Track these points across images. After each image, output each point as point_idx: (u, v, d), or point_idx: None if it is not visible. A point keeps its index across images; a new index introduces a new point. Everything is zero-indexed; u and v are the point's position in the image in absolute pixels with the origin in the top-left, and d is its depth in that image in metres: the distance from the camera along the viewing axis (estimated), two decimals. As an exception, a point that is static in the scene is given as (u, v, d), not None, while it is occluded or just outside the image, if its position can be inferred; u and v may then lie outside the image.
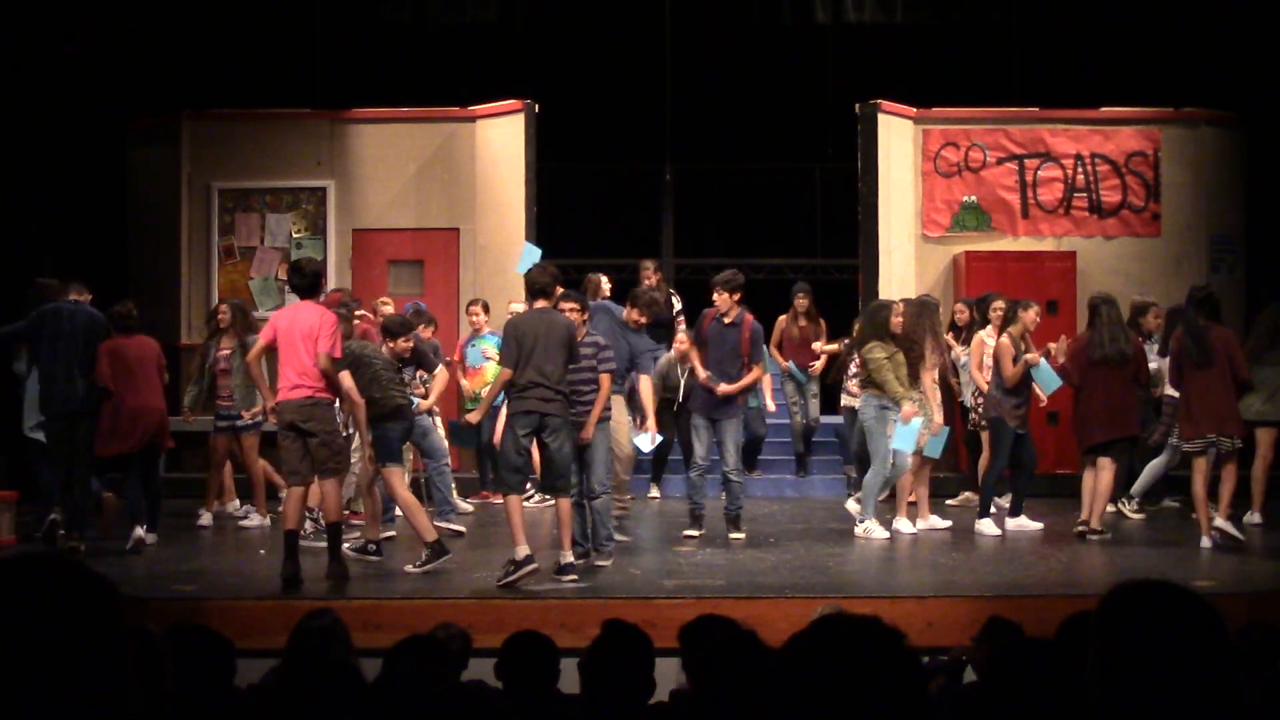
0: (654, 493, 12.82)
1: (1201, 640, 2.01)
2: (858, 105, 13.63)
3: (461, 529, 10.44)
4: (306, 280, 8.75)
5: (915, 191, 13.72)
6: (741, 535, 10.19)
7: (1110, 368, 10.05)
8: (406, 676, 4.22)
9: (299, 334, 8.48)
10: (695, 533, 10.26)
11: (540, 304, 8.64)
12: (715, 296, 10.30)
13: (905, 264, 13.64)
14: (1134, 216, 13.73)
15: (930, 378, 10.48)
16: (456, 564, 9.03)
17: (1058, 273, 13.34)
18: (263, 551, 9.69)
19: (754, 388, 10.93)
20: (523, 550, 8.19)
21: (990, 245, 13.62)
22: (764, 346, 10.58)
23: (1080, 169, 13.73)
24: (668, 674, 4.58)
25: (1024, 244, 13.66)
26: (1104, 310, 10.25)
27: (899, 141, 13.65)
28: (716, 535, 10.28)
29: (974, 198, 13.74)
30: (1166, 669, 1.99)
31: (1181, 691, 1.98)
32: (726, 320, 10.26)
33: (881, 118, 13.51)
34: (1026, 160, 13.76)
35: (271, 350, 8.71)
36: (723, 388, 10.10)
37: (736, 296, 10.25)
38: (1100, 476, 10.10)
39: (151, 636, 3.20)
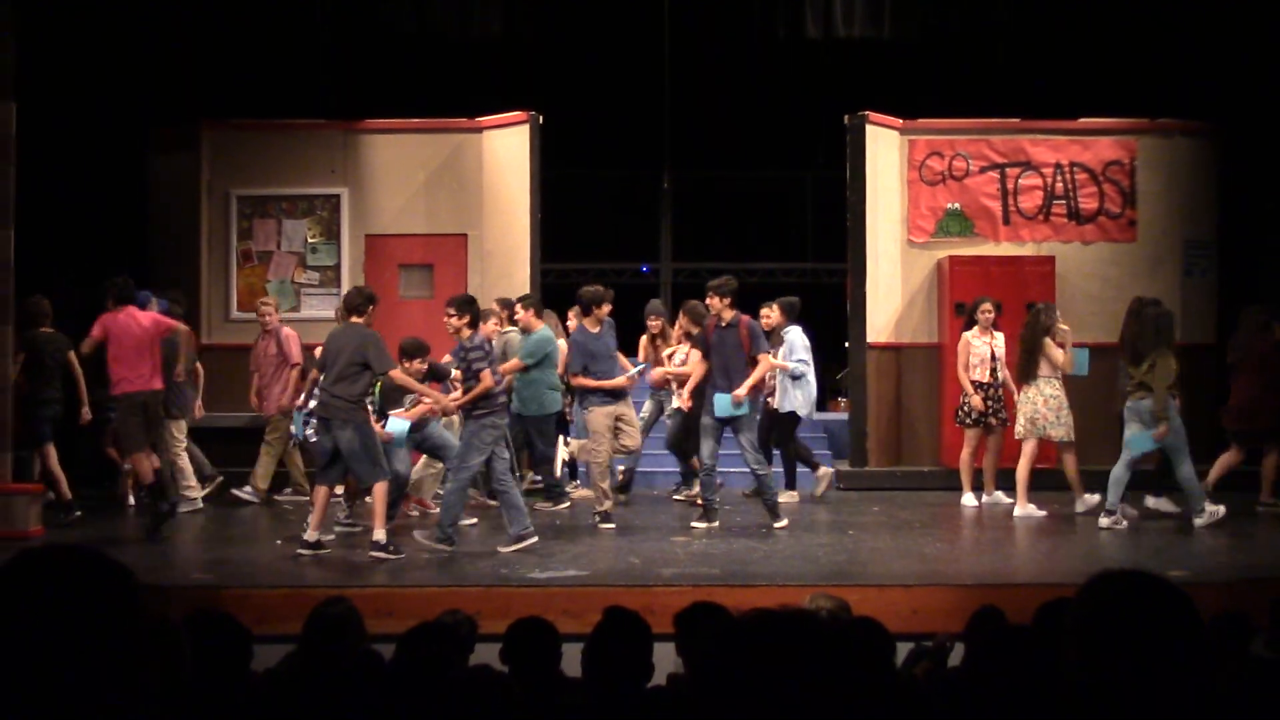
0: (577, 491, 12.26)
1: (1177, 627, 2.01)
2: (847, 116, 13.62)
3: (472, 520, 10.50)
4: (129, 292, 10.38)
5: (901, 199, 13.71)
6: (783, 523, 10.25)
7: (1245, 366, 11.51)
8: (418, 660, 4.22)
9: (142, 336, 10.14)
10: (702, 525, 10.25)
11: (354, 319, 9.37)
12: (708, 300, 10.39)
13: (892, 268, 13.63)
14: (1111, 222, 13.72)
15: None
16: (465, 554, 9.05)
17: (1038, 276, 13.32)
18: (279, 542, 9.69)
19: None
20: (315, 535, 9.07)
21: (973, 250, 13.60)
22: (764, 339, 10.56)
23: (1059, 177, 13.72)
24: (665, 658, 4.58)
25: (1005, 249, 13.65)
26: (1254, 312, 11.61)
27: (886, 151, 13.64)
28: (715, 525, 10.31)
29: (957, 205, 13.73)
30: (1143, 655, 1.98)
31: (1157, 676, 1.98)
32: (724, 323, 10.28)
33: (869, 128, 13.50)
34: (1008, 169, 13.75)
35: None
36: (737, 393, 10.09)
37: (728, 300, 10.28)
38: (1264, 461, 11.33)
39: (171, 623, 3.19)
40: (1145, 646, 1.99)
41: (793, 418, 11.83)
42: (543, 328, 11.48)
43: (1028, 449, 11.08)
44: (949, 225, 13.71)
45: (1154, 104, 13.88)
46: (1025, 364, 11.15)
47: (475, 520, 10.53)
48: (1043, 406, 11.03)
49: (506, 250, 13.46)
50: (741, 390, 10.13)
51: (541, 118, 13.49)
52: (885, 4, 14.52)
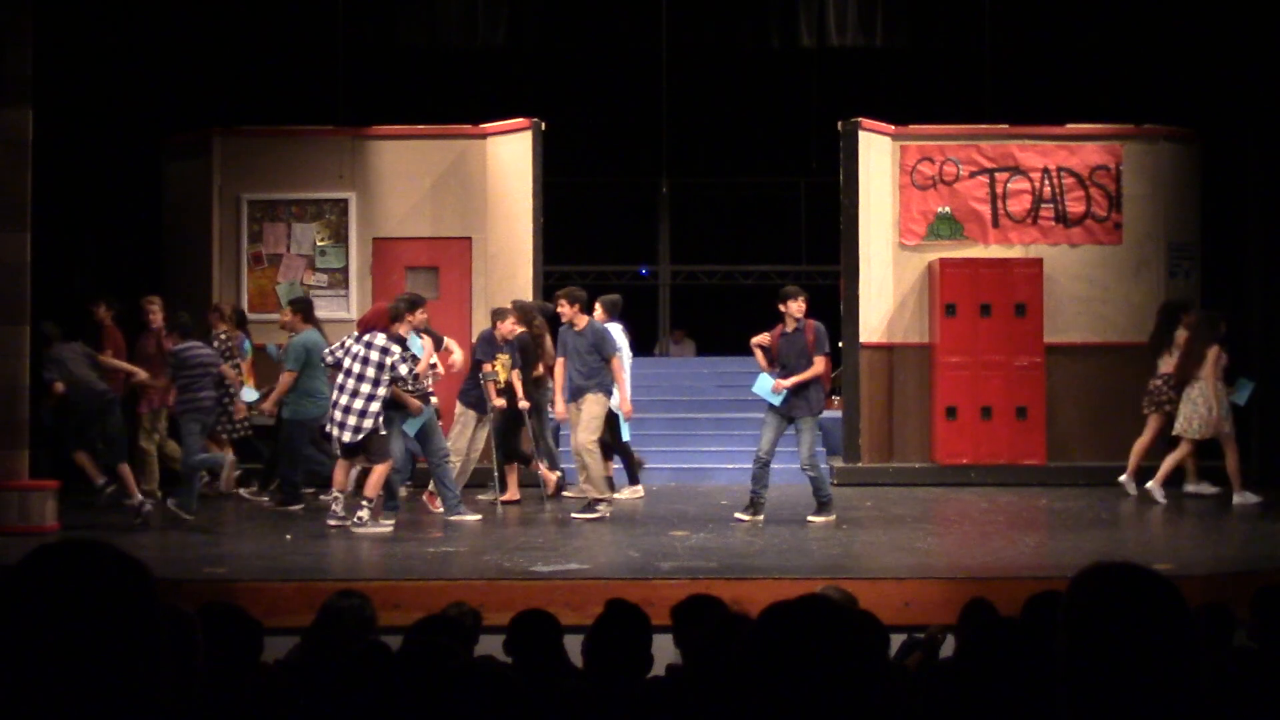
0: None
1: (1166, 619, 2.00)
2: (840, 123, 13.61)
3: (476, 516, 10.45)
4: None
5: (893, 203, 13.71)
6: (819, 519, 10.26)
7: None
8: (425, 652, 4.21)
9: None
10: (746, 517, 10.30)
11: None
12: (788, 305, 10.40)
13: (884, 270, 13.63)
14: (1097, 226, 13.72)
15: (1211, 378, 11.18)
16: (469, 549, 9.04)
17: (1026, 278, 13.32)
18: (289, 537, 9.68)
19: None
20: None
21: (963, 253, 13.60)
22: (826, 342, 10.58)
23: (1047, 181, 13.72)
24: (664, 650, 4.57)
25: (994, 251, 13.64)
26: None
27: (878, 156, 13.63)
28: (708, 520, 10.30)
29: (948, 208, 13.72)
30: (1133, 645, 1.98)
31: (1147, 666, 1.98)
32: (789, 329, 10.39)
33: (862, 134, 13.49)
34: (997, 173, 13.74)
35: None
36: (779, 383, 10.25)
37: (801, 304, 10.43)
38: None
39: (184, 616, 3.18)
40: (1135, 637, 1.98)
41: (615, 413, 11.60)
42: (307, 331, 11.21)
43: (1185, 446, 11.34)
44: (939, 228, 13.71)
45: (1139, 110, 13.88)
46: (1187, 365, 11.30)
47: (480, 516, 10.52)
48: (1200, 407, 11.21)
49: (509, 253, 13.46)
50: (786, 382, 10.25)
51: (543, 125, 13.49)
52: (877, 14, 14.53)
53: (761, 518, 10.34)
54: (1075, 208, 13.71)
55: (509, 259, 13.45)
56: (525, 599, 6.62)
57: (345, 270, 13.58)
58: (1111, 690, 1.98)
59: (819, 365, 10.44)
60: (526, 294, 13.23)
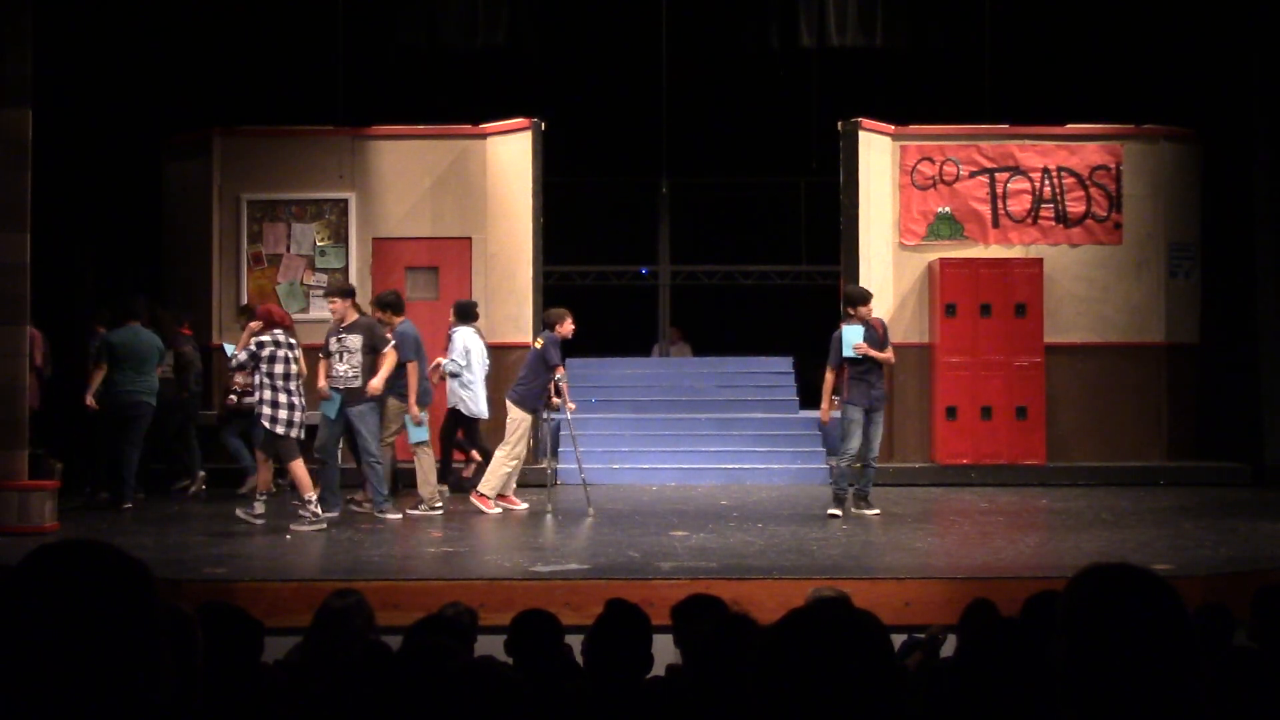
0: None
1: (1163, 619, 2.01)
2: (840, 123, 13.62)
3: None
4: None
5: (893, 203, 13.72)
6: (870, 511, 10.59)
7: None
8: (424, 652, 4.21)
9: None
10: (838, 511, 10.52)
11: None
12: (855, 310, 10.65)
13: (884, 270, 13.63)
14: (1097, 226, 13.73)
15: None
16: (469, 549, 9.04)
17: (1026, 278, 13.34)
18: (288, 537, 9.69)
19: None
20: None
21: (963, 253, 13.60)
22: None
23: (1047, 182, 13.73)
24: (664, 650, 4.58)
25: (994, 251, 13.66)
26: None
27: (878, 156, 13.64)
28: (709, 520, 10.31)
29: (948, 208, 13.73)
30: (1131, 646, 1.98)
31: (1144, 666, 1.98)
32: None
33: (862, 134, 13.51)
34: (997, 173, 13.75)
35: None
36: (859, 345, 10.56)
37: (869, 308, 10.73)
38: None
39: (184, 616, 3.18)
40: (1132, 638, 1.99)
41: (473, 417, 11.72)
42: (129, 327, 11.27)
43: None
44: (939, 228, 13.72)
45: (1139, 110, 13.89)
46: None
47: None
48: None
49: (509, 253, 13.46)
50: (864, 347, 10.51)
51: (543, 125, 13.50)
52: (877, 14, 14.51)
53: (871, 511, 10.63)
54: (1075, 208, 13.72)
55: (509, 259, 13.45)
56: (525, 599, 6.63)
57: (345, 270, 13.58)
58: (1109, 691, 1.98)
59: (888, 354, 10.75)
60: (526, 294, 13.27)
